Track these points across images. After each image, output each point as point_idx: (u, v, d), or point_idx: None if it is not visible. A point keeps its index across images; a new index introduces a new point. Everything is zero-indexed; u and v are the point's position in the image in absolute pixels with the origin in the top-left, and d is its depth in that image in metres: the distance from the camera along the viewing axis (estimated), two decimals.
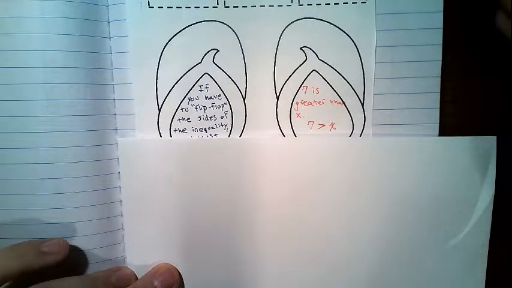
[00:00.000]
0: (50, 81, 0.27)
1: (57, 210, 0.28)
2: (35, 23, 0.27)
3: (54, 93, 0.27)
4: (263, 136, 0.28)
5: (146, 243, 0.29)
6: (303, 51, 0.27)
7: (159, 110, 0.28)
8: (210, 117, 0.28)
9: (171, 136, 0.28)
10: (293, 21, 0.27)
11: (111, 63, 0.28)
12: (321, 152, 0.28)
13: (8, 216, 0.28)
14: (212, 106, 0.28)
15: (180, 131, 0.28)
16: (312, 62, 0.27)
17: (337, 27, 0.27)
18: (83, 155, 0.28)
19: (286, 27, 0.27)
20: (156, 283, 0.28)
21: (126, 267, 0.29)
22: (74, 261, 0.28)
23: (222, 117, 0.28)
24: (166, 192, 0.28)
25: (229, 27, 0.27)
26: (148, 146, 0.28)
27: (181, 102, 0.28)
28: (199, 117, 0.28)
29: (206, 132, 0.28)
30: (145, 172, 0.28)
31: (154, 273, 0.28)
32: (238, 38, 0.27)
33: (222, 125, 0.28)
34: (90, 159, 0.28)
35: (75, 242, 0.28)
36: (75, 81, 0.27)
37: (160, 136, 0.28)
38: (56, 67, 0.27)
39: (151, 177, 0.28)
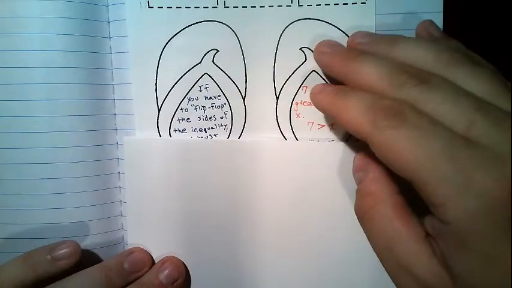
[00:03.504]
0: (50, 81, 0.27)
1: (57, 210, 0.28)
2: (34, 23, 0.27)
3: (54, 93, 0.27)
4: (263, 137, 0.28)
5: (147, 243, 0.29)
6: (303, 51, 0.27)
7: (159, 110, 0.28)
8: (209, 118, 0.28)
9: (170, 136, 0.28)
10: (293, 22, 0.27)
11: (111, 63, 0.28)
12: (320, 154, 0.28)
13: (8, 216, 0.28)
14: (212, 106, 0.28)
15: (179, 131, 0.28)
16: (312, 63, 0.27)
17: (337, 28, 0.27)
18: (83, 155, 0.28)
19: (286, 27, 0.27)
20: (161, 277, 0.28)
21: (140, 248, 0.28)
22: None
23: (221, 118, 0.28)
24: (167, 192, 0.28)
25: (229, 27, 0.27)
26: (148, 146, 0.28)
27: (181, 102, 0.28)
28: (199, 117, 0.28)
29: (206, 132, 0.28)
30: (146, 172, 0.28)
31: (160, 266, 0.28)
32: (238, 38, 0.27)
33: (222, 125, 0.28)
34: (90, 159, 0.28)
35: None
36: (75, 81, 0.27)
37: (160, 136, 0.28)
38: (56, 67, 0.27)
39: (151, 177, 0.28)
